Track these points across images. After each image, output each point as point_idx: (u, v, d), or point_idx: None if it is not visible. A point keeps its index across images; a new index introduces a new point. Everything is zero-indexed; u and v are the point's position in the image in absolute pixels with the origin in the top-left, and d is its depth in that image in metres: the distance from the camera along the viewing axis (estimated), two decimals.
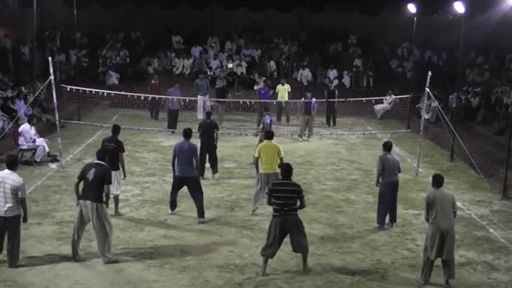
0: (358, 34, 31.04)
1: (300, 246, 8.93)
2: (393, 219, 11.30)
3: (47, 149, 15.27)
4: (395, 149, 18.40)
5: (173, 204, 11.51)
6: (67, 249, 9.31)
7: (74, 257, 9.10)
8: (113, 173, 11.00)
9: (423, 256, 8.85)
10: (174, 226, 10.81)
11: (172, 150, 11.47)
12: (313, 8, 31.18)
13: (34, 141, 15.11)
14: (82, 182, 9.17)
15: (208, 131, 14.13)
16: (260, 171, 11.53)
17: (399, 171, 11.33)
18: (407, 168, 15.79)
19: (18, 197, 8.62)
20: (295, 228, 8.87)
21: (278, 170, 11.06)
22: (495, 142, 18.08)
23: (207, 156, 14.10)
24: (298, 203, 8.89)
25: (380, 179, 11.15)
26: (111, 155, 10.98)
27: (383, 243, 10.37)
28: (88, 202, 8.93)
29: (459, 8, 16.61)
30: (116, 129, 11.53)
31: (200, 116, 21.64)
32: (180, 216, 11.38)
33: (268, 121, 16.01)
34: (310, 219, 11.53)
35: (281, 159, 11.30)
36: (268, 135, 11.77)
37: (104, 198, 9.22)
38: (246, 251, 9.82)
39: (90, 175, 8.98)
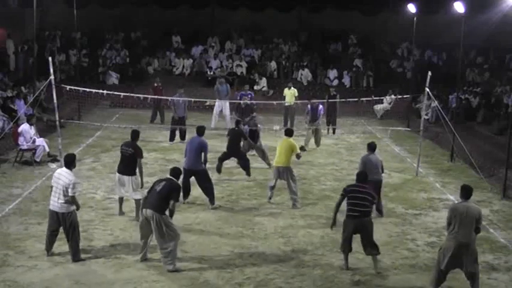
0: (358, 34, 31.02)
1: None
2: (381, 213, 11.70)
3: (47, 149, 15.26)
4: (395, 148, 18.48)
5: (185, 192, 11.85)
6: (67, 249, 9.30)
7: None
8: (129, 178, 11.05)
9: (435, 265, 8.51)
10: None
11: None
12: (313, 8, 31.15)
13: (34, 141, 15.09)
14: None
15: (236, 139, 14.39)
16: (272, 164, 12.75)
17: (382, 171, 11.70)
18: (407, 168, 15.83)
19: (69, 194, 8.97)
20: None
21: (289, 165, 12.18)
22: (495, 142, 18.10)
23: (237, 162, 14.50)
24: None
25: None
26: (128, 160, 11.11)
27: (383, 243, 10.34)
28: (149, 211, 8.88)
29: (459, 8, 16.61)
30: (135, 135, 11.52)
31: (213, 124, 20.35)
32: (181, 216, 11.36)
33: (247, 129, 16.41)
34: (310, 219, 11.55)
35: (297, 155, 12.34)
36: (287, 132, 12.70)
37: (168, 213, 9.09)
38: (246, 251, 9.82)
39: (159, 187, 9.03)
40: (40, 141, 15.22)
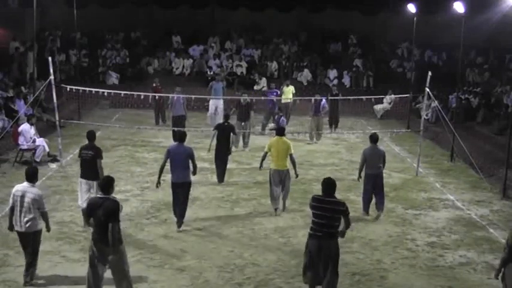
0: (358, 34, 31.03)
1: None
2: (380, 207, 11.68)
3: (47, 149, 15.27)
4: (395, 148, 18.47)
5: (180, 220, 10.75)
6: (67, 249, 9.31)
7: None
8: (95, 182, 10.15)
9: None
10: (174, 226, 10.78)
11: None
12: (313, 8, 31.17)
13: (34, 141, 15.10)
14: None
15: (225, 134, 13.89)
16: (271, 167, 11.66)
17: (384, 163, 11.71)
18: (407, 168, 15.82)
19: (38, 211, 8.21)
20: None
21: (289, 167, 11.54)
22: (495, 142, 18.09)
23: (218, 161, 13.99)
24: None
25: (363, 171, 11.71)
26: (90, 163, 10.27)
27: (383, 243, 10.38)
28: (107, 249, 7.48)
29: (459, 8, 16.61)
30: (92, 136, 10.62)
31: (211, 122, 20.14)
32: None
33: (285, 123, 16.52)
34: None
35: (291, 155, 11.51)
36: (280, 131, 12.02)
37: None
38: (246, 251, 9.82)
39: (102, 216, 7.41)
40: (40, 141, 15.23)
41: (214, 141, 13.90)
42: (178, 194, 10.61)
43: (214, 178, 14.12)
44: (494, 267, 9.41)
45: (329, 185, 7.79)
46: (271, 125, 19.58)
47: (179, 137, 10.90)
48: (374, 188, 11.64)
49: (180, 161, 10.50)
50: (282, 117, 16.48)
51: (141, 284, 8.47)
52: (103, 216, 7.36)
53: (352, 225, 11.09)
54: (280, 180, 11.56)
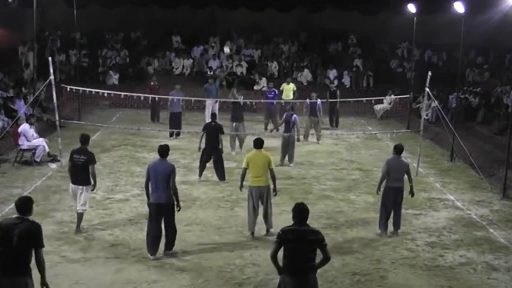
0: (358, 34, 31.06)
1: None
2: (397, 226, 10.76)
3: (47, 149, 15.27)
4: None
5: (154, 247, 9.37)
6: (67, 249, 9.31)
7: None
8: (83, 187, 10.15)
9: None
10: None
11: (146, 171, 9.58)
12: (313, 8, 31.22)
13: (34, 138, 15.14)
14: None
15: (213, 133, 13.92)
16: (249, 184, 10.45)
17: (409, 177, 10.76)
18: None
19: None
20: None
21: (269, 183, 10.43)
22: (495, 142, 18.10)
23: (212, 161, 13.96)
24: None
25: (384, 183, 10.81)
26: (82, 168, 10.10)
27: (383, 243, 10.37)
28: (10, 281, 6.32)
29: (459, 8, 16.62)
30: (85, 140, 10.46)
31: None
32: (181, 216, 11.35)
33: (297, 120, 15.77)
34: (310, 219, 11.51)
35: (271, 170, 10.29)
36: (258, 143, 10.42)
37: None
38: (246, 251, 9.82)
39: (15, 242, 6.24)
40: (40, 141, 15.23)
41: (203, 141, 14.06)
42: (158, 217, 9.34)
43: (214, 178, 14.13)
44: (494, 267, 9.45)
45: (301, 212, 6.64)
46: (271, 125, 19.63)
47: (160, 151, 9.57)
48: (394, 203, 10.65)
49: (161, 179, 9.22)
50: (294, 115, 15.90)
51: (141, 284, 8.47)
52: (20, 241, 6.23)
53: (352, 225, 11.25)
54: (260, 198, 10.41)
